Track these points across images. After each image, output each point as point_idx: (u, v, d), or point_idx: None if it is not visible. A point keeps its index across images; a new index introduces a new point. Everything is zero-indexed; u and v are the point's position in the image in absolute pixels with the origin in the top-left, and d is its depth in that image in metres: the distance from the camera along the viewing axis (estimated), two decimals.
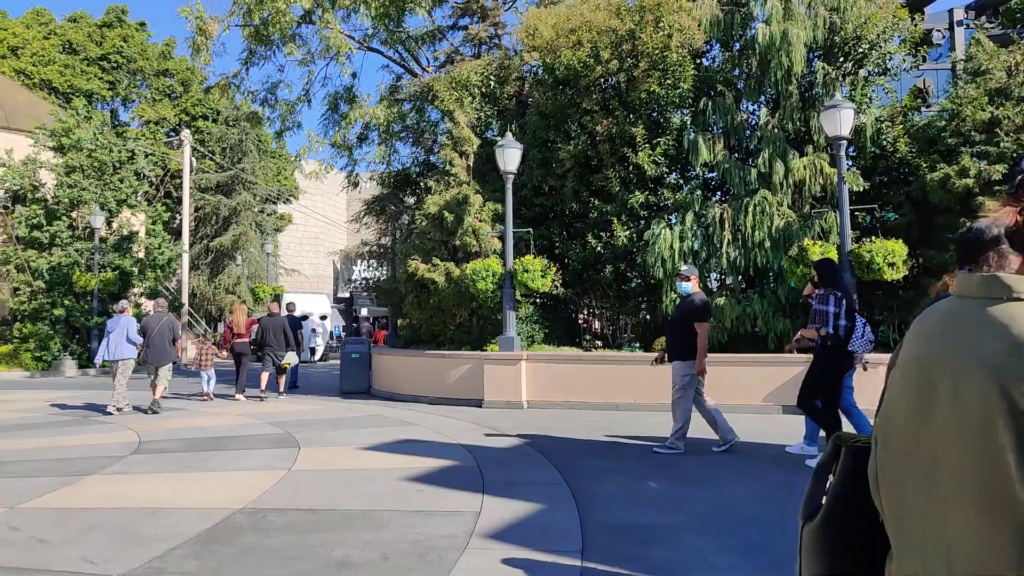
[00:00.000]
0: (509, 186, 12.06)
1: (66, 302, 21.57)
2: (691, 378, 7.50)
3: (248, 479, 6.69)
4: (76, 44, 35.38)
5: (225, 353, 15.00)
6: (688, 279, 7.62)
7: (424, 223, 13.85)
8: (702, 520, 5.27)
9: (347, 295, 44.42)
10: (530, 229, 13.13)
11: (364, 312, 35.41)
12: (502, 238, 12.64)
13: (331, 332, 34.90)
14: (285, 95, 17.30)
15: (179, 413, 11.63)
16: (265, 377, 13.54)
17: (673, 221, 12.77)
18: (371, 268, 21.44)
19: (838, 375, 6.73)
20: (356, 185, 19.11)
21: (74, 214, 22.52)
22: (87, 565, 4.38)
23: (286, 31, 15.41)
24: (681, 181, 13.49)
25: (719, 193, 13.74)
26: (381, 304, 20.57)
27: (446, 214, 13.34)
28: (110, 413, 11.32)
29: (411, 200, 17.68)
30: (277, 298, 29.30)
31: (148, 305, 13.37)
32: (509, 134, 12.37)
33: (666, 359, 7.90)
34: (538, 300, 13.72)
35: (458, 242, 13.28)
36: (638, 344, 13.21)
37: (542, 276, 11.98)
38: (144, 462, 7.55)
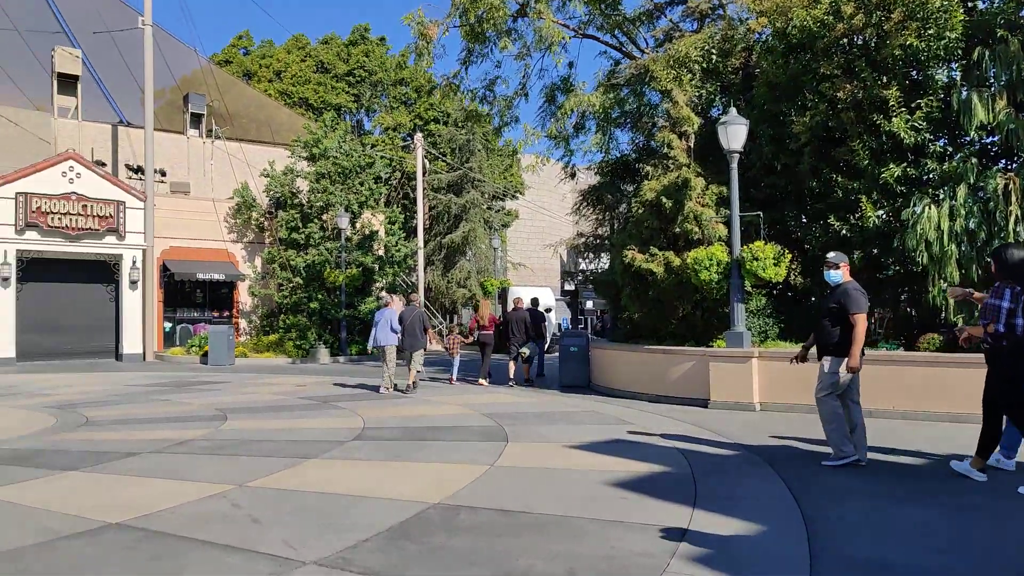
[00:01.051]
0: (734, 166, 10.94)
1: (319, 296, 23.80)
2: (839, 376, 6.60)
3: (450, 472, 6.53)
4: (327, 63, 39.28)
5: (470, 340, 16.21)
6: (837, 267, 6.85)
7: (640, 211, 13.11)
8: (980, 564, 4.08)
9: (572, 288, 44.71)
10: (760, 212, 11.86)
11: (589, 304, 35.25)
12: (727, 223, 11.54)
13: (558, 325, 35.27)
14: (502, 91, 17.37)
15: (408, 400, 12.07)
16: (512, 367, 14.48)
17: (940, 197, 10.80)
18: (588, 260, 21.08)
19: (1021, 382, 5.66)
20: (573, 176, 18.82)
21: (324, 217, 24.80)
22: (286, 548, 4.43)
23: (501, 26, 15.45)
24: (949, 149, 11.41)
25: (1003, 161, 11.43)
26: (600, 297, 20.13)
27: (664, 200, 12.49)
28: (391, 390, 12.90)
29: (629, 188, 16.99)
30: (504, 292, 30.24)
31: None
32: (733, 109, 11.23)
33: (803, 358, 7.31)
34: (772, 291, 12.38)
35: (678, 229, 12.37)
36: (900, 342, 11.35)
37: (775, 264, 10.72)
38: (361, 448, 7.73)
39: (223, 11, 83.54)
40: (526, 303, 15.79)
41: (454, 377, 14.91)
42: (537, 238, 51.53)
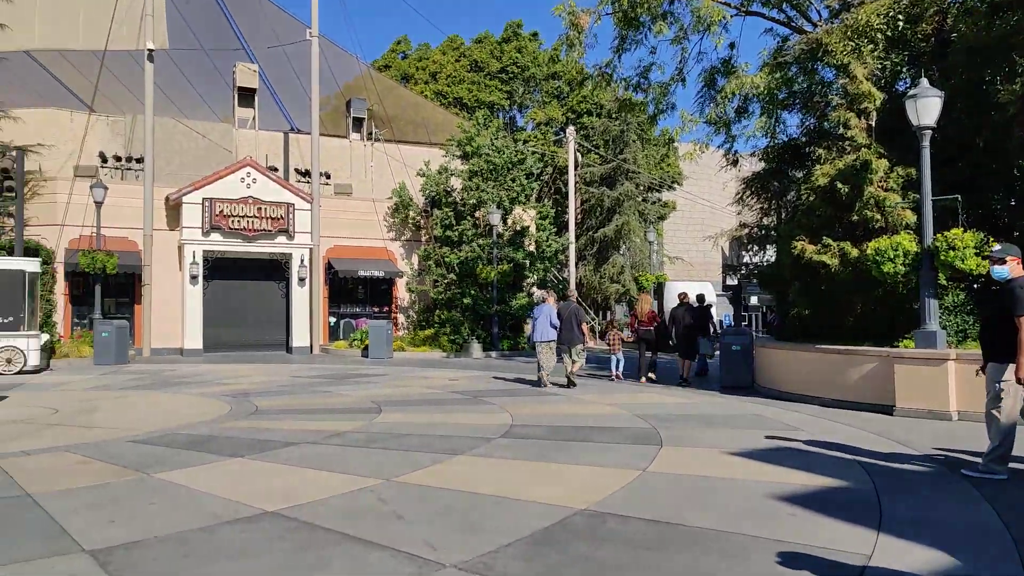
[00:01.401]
0: (926, 144, 9.67)
1: (472, 292, 24.16)
2: (1008, 385, 5.91)
3: (599, 476, 6.13)
4: (480, 61, 39.98)
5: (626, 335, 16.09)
6: (1003, 261, 6.15)
7: (811, 198, 12.01)
8: None
9: (734, 282, 42.61)
10: (957, 196, 10.44)
11: (754, 300, 33.35)
12: (915, 209, 10.27)
13: (719, 322, 33.75)
14: (657, 77, 16.62)
15: (559, 397, 11.79)
16: (687, 365, 14.03)
17: None
18: (752, 253, 19.79)
19: None
20: (735, 163, 17.72)
21: (477, 214, 25.14)
22: (426, 549, 4.29)
23: (655, 10, 14.78)
24: None
25: None
26: (766, 292, 18.85)
27: (839, 185, 11.34)
28: (546, 385, 12.99)
29: (798, 174, 15.72)
30: (659, 287, 29.26)
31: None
32: (924, 80, 9.93)
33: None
34: (973, 285, 10.93)
35: (855, 217, 11.19)
36: None
37: (976, 254, 9.38)
38: (508, 447, 7.50)
39: (383, 18, 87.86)
40: (691, 298, 15.34)
41: (618, 373, 14.73)
42: (696, 230, 49.39)
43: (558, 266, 28.06)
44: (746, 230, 17.31)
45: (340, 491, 5.60)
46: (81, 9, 25.41)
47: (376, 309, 25.89)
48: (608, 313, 37.56)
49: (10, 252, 17.15)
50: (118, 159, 24.13)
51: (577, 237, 32.47)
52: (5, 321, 15.00)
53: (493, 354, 23.09)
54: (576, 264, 32.05)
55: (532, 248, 25.75)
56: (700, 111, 16.04)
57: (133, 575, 3.84)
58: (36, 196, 20.12)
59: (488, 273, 23.58)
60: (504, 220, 25.13)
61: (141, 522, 4.75)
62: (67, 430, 8.22)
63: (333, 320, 25.07)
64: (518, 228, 25.68)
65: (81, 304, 20.38)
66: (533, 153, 27.63)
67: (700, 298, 15.65)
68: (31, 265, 15.76)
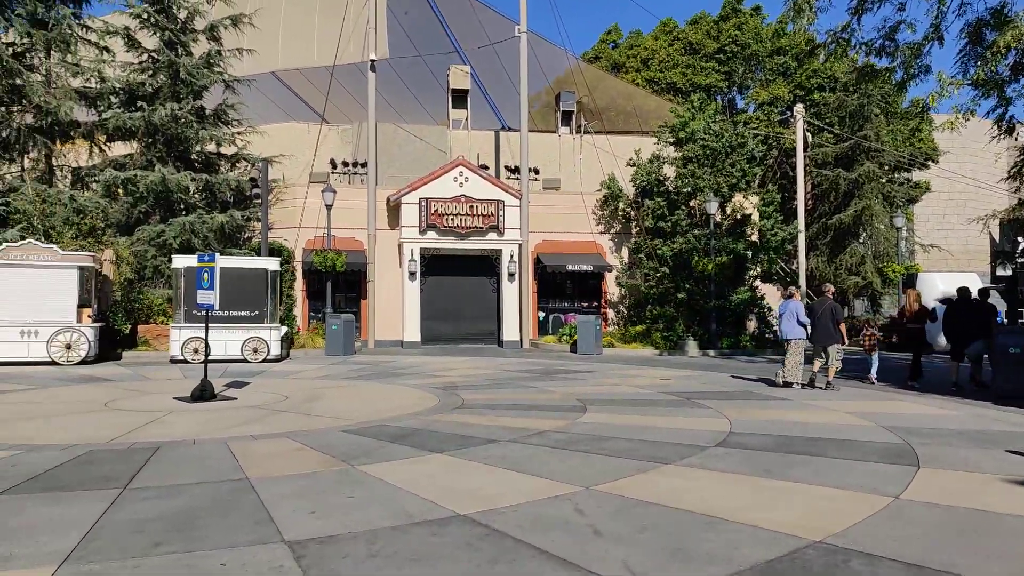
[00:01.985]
0: None
1: (687, 286, 22.99)
2: None
3: (837, 501, 5.15)
4: (695, 43, 38.17)
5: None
6: None
7: None
8: None
9: (1008, 272, 36.72)
10: None
11: None
12: None
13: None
14: (906, 37, 14.42)
15: (784, 403, 10.61)
16: (955, 368, 12.81)
17: None
18: None
19: None
20: (1011, 131, 15.02)
21: (691, 203, 23.89)
22: (625, 573, 3.76)
23: None
24: None
25: None
26: None
27: None
28: (780, 385, 12.43)
29: None
30: (911, 278, 25.86)
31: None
32: None
33: None
34: None
35: None
36: None
37: None
38: (724, 457, 6.68)
39: (593, 9, 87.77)
40: (940, 291, 13.68)
41: (872, 376, 13.63)
42: (955, 213, 43.27)
43: (785, 257, 25.82)
44: None
45: (535, 497, 5.21)
46: (315, 29, 27.86)
47: (584, 304, 25.61)
48: (846, 308, 34.17)
49: (257, 253, 19.14)
50: (346, 164, 26.13)
51: (807, 225, 29.74)
52: (251, 315, 16.73)
53: (711, 352, 21.80)
54: (806, 254, 29.36)
55: (755, 238, 23.97)
56: (963, 72, 13.74)
57: (319, 573, 3.77)
58: (279, 202, 22.32)
59: (705, 265, 22.28)
60: (722, 208, 23.63)
61: (339, 516, 4.73)
62: (291, 417, 8.71)
63: (542, 315, 25.18)
64: (738, 217, 24.04)
65: (316, 299, 22.29)
66: (755, 136, 25.68)
67: (983, 293, 13.79)
68: (272, 264, 17.44)
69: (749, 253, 23.45)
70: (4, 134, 18.61)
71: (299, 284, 22.46)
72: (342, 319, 18.89)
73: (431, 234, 23.13)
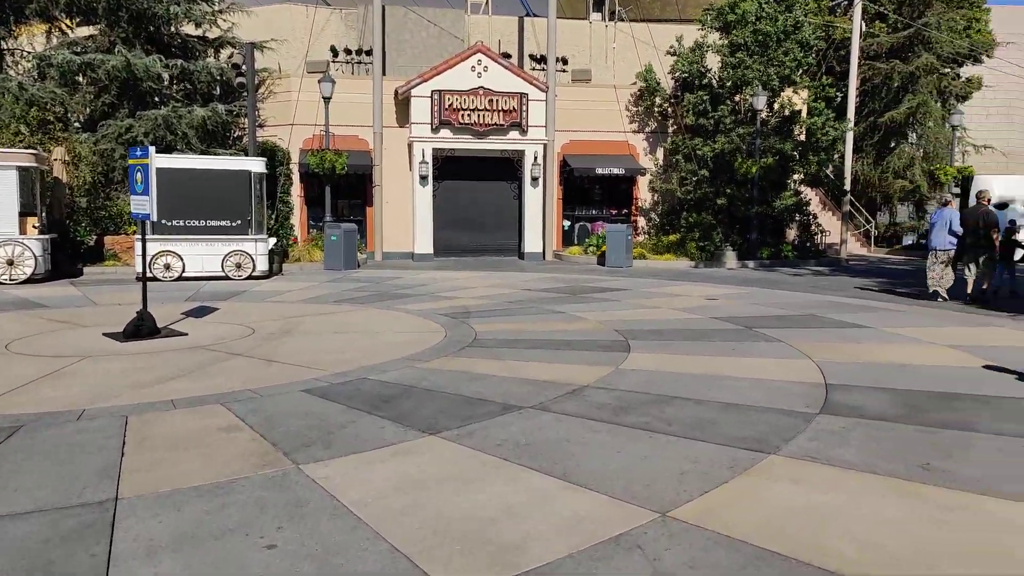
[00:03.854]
0: None
1: (728, 191, 20.57)
2: None
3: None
4: None
5: None
6: None
7: None
8: None
9: None
10: None
11: None
12: None
13: None
14: None
15: (862, 333, 8.59)
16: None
17: None
18: None
19: None
20: None
21: (737, 98, 21.08)
22: None
23: None
24: None
25: None
26: None
27: None
28: (941, 299, 11.84)
29: None
30: (965, 181, 23.21)
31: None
32: None
33: None
34: None
35: None
36: None
37: None
38: (845, 436, 4.64)
39: None
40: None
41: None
42: (1003, 113, 40.43)
43: (833, 158, 23.07)
44: None
45: (579, 537, 3.19)
46: None
47: (614, 211, 23.18)
48: (889, 215, 31.51)
49: (247, 154, 16.76)
50: (348, 52, 23.18)
51: (854, 124, 26.76)
52: (233, 225, 14.48)
53: (750, 264, 19.61)
54: (852, 156, 26.50)
55: (802, 137, 21.23)
56: None
57: None
58: (272, 95, 19.70)
59: (748, 168, 19.71)
60: (770, 105, 20.79)
61: None
62: (244, 365, 6.65)
63: (567, 223, 22.84)
64: (786, 113, 21.22)
65: (316, 206, 19.94)
66: (810, 21, 22.40)
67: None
68: (256, 165, 15.02)
69: (796, 153, 20.82)
70: None
71: (296, 189, 20.15)
72: (342, 229, 16.70)
73: (445, 132, 20.57)
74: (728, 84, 20.87)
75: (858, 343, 7.96)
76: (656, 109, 22.50)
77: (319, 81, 18.21)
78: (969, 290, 11.87)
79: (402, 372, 6.38)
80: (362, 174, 20.20)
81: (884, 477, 3.94)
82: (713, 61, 21.64)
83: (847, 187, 24.79)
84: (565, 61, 24.35)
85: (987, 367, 6.72)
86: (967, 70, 31.27)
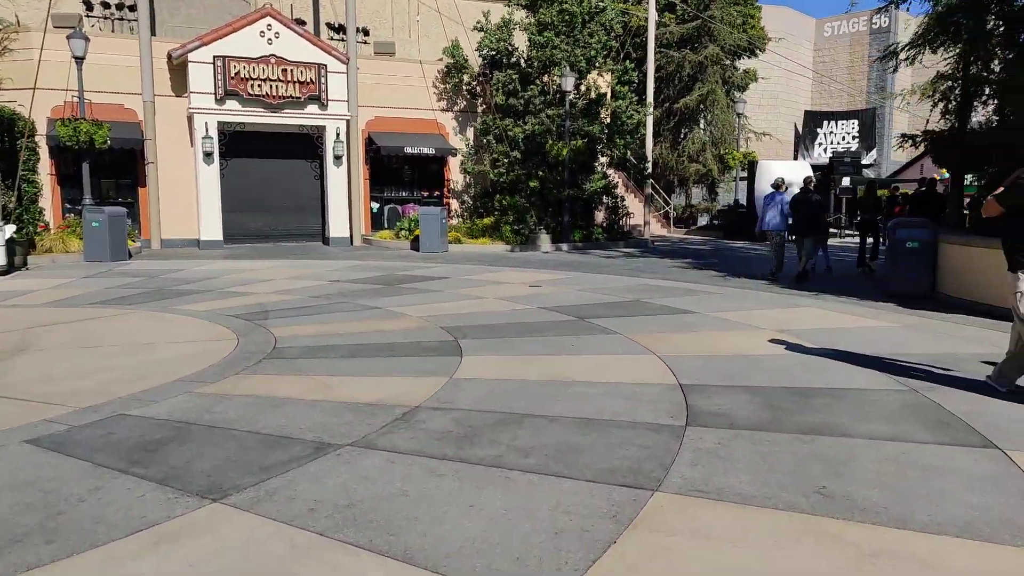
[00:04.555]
0: None
1: (540, 173, 20.28)
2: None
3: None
4: None
5: None
6: None
7: None
8: None
9: (803, 160, 37.83)
10: None
11: (846, 182, 28.42)
12: None
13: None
14: None
15: (693, 319, 8.27)
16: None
17: None
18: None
19: None
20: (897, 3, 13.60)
21: (545, 78, 20.80)
22: None
23: None
24: None
25: None
26: (941, 165, 14.84)
27: None
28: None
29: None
30: (751, 165, 24.89)
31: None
32: None
33: None
34: None
35: None
36: None
37: None
38: (730, 461, 4.00)
39: None
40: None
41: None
42: (769, 104, 44.87)
43: (638, 142, 23.72)
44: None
45: None
46: None
47: (426, 193, 22.14)
48: (685, 197, 33.31)
49: None
50: (106, 6, 19.90)
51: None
52: None
53: (564, 247, 19.50)
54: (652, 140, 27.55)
55: (608, 120, 21.46)
56: None
57: None
58: (8, 52, 16.29)
59: (559, 150, 19.52)
60: (577, 87, 20.74)
61: None
62: None
63: (376, 206, 21.45)
64: (593, 96, 21.30)
65: (73, 187, 16.89)
66: (614, 3, 22.64)
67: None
68: None
69: (604, 137, 21.02)
70: None
71: (44, 166, 16.92)
72: (106, 213, 14.13)
73: (232, 104, 18.29)
74: (536, 64, 20.54)
75: (693, 332, 7.63)
76: (465, 87, 21.70)
77: (68, 37, 15.26)
78: (800, 268, 12.52)
79: (177, 402, 4.91)
80: (131, 149, 17.45)
81: (788, 513, 3.28)
82: (521, 40, 21.20)
83: (649, 170, 25.62)
84: (367, 32, 22.80)
85: (818, 352, 6.58)
86: (745, 63, 33.82)
